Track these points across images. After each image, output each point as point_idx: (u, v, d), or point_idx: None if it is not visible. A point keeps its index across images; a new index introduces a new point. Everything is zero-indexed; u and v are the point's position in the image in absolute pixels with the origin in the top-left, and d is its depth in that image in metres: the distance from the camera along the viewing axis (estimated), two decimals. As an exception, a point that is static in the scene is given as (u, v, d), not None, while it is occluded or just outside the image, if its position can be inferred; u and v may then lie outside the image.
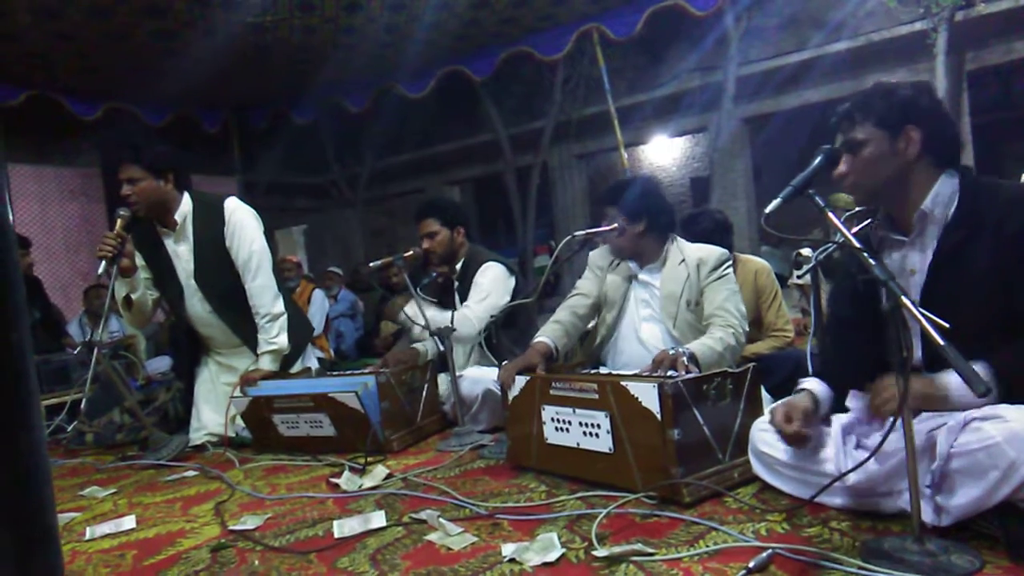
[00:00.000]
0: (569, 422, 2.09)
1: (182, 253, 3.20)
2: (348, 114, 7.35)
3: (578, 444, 2.07)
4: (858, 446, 1.66)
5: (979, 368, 1.24)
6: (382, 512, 1.95)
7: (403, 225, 12.45)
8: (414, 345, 3.36)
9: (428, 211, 3.27)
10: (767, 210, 1.50)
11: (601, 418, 1.98)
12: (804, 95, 8.02)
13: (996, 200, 1.51)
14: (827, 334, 1.91)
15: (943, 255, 1.55)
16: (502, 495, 2.07)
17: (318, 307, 6.24)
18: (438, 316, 3.02)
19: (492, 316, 2.92)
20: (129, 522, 2.15)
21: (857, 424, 1.72)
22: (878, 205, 1.70)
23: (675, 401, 1.78)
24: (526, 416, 2.25)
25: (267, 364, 3.15)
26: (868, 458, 1.47)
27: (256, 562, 1.73)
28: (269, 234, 3.27)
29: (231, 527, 2.02)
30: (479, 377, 2.91)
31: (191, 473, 2.77)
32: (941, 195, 1.57)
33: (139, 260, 3.23)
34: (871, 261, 1.34)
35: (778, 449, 1.77)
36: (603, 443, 1.99)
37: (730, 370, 1.98)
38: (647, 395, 1.83)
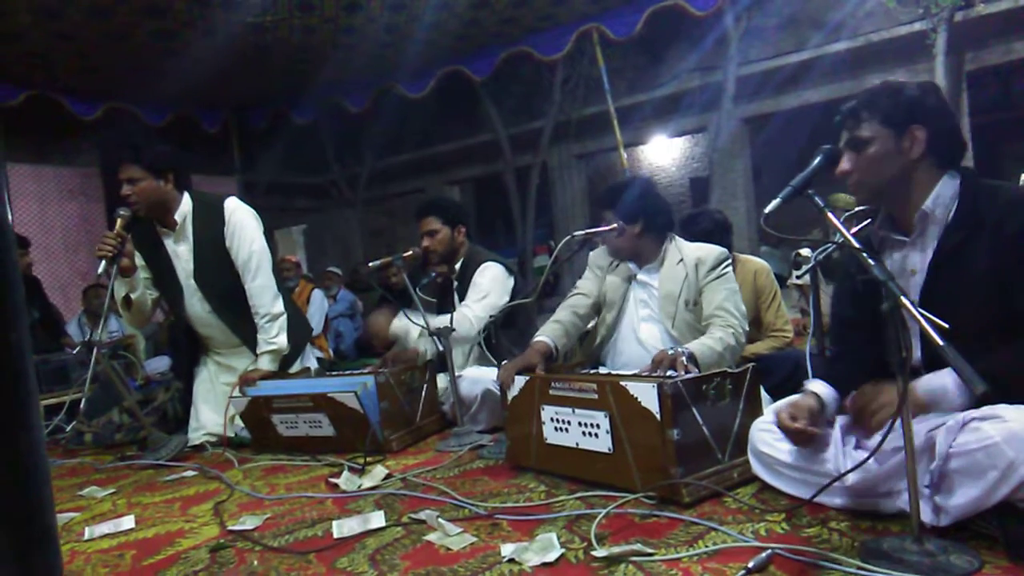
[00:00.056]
0: (568, 422, 2.09)
1: (182, 253, 3.20)
2: (348, 114, 7.35)
3: (577, 444, 2.07)
4: (857, 446, 1.66)
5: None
6: (381, 512, 1.95)
7: (403, 225, 12.46)
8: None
9: (429, 209, 3.27)
10: (766, 210, 1.50)
11: (600, 418, 1.98)
12: (804, 95, 8.03)
13: (995, 201, 1.51)
14: (830, 335, 1.91)
15: (943, 255, 1.55)
16: (501, 495, 2.07)
17: (317, 307, 6.24)
18: (430, 321, 3.01)
19: (491, 316, 2.92)
20: (128, 522, 2.15)
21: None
22: (880, 204, 1.70)
23: (674, 401, 1.78)
24: (525, 416, 2.25)
25: (266, 364, 3.15)
26: (868, 458, 1.47)
27: (255, 562, 1.73)
28: (269, 234, 3.27)
29: (230, 527, 2.02)
30: (478, 377, 2.91)
31: (190, 473, 2.77)
32: (942, 196, 1.57)
33: (138, 260, 3.23)
34: (870, 261, 1.34)
35: (778, 449, 1.77)
36: (602, 443, 1.99)
37: (729, 370, 1.98)
38: (646, 395, 1.83)
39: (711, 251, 2.46)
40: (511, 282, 3.19)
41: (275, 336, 3.15)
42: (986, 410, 1.36)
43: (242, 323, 3.21)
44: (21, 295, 0.71)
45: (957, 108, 6.96)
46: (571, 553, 1.57)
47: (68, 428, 3.70)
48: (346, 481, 2.34)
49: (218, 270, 3.17)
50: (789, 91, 8.09)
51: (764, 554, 1.41)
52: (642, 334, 2.50)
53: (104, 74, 5.99)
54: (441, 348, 2.90)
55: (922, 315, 1.23)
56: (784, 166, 5.22)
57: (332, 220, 11.66)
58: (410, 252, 3.15)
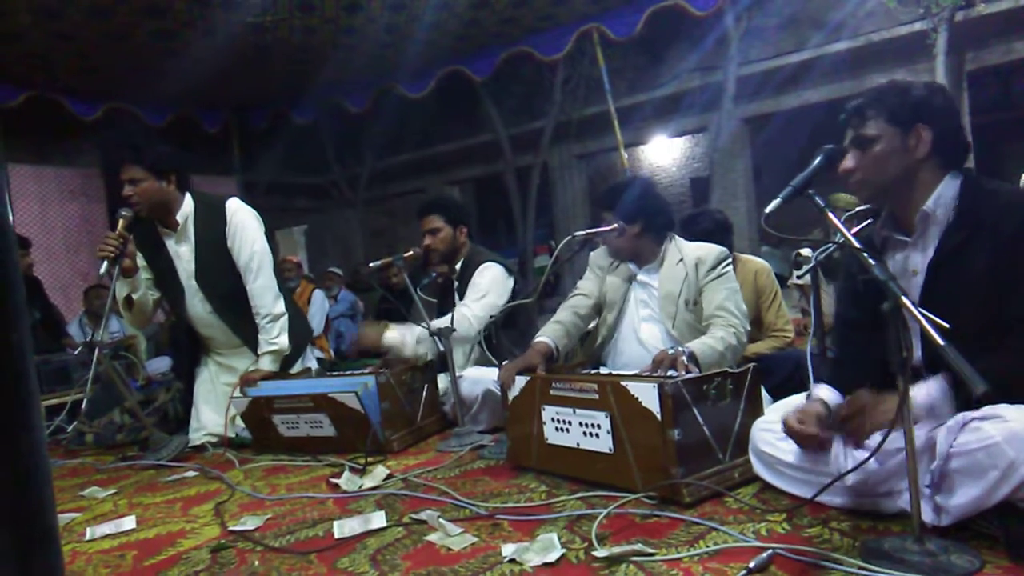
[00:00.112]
0: (569, 422, 2.09)
1: (183, 254, 3.20)
2: (348, 114, 7.35)
3: (578, 444, 2.07)
4: (859, 446, 1.66)
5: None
6: (382, 512, 1.95)
7: (403, 225, 12.46)
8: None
9: (432, 208, 3.27)
10: (767, 210, 1.50)
11: (601, 418, 1.98)
12: (804, 95, 8.03)
13: (994, 203, 1.52)
14: (834, 336, 1.91)
15: (943, 256, 1.55)
16: (502, 495, 2.07)
17: (318, 307, 6.25)
18: (419, 332, 2.99)
19: (492, 316, 2.92)
20: (129, 522, 2.15)
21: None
22: (882, 204, 1.70)
23: (675, 401, 1.78)
24: (526, 416, 2.25)
25: (267, 364, 3.15)
26: (868, 458, 1.47)
27: (256, 562, 1.73)
28: (270, 235, 3.27)
29: (231, 527, 2.02)
30: (479, 377, 2.91)
31: (191, 473, 2.77)
32: (944, 196, 1.56)
33: (140, 260, 3.23)
34: (871, 261, 1.34)
35: (780, 449, 1.77)
36: (603, 443, 1.99)
37: (730, 370, 1.98)
38: (647, 395, 1.83)
39: (711, 250, 2.46)
40: (510, 283, 3.19)
41: (276, 336, 3.15)
42: (987, 410, 1.36)
43: (243, 324, 3.22)
44: (22, 296, 0.71)
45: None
46: (572, 553, 1.57)
47: (69, 429, 3.70)
48: (347, 481, 2.34)
49: (219, 271, 3.17)
50: (789, 91, 8.08)
51: (765, 554, 1.42)
52: (643, 334, 2.50)
53: (104, 74, 5.99)
54: (442, 348, 2.90)
55: (922, 315, 1.23)
56: (784, 166, 5.21)
57: (333, 220, 11.66)
58: (411, 252, 3.15)
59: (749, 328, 2.42)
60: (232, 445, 3.11)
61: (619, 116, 6.11)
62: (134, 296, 3.20)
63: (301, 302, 5.86)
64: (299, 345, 3.34)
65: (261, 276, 3.15)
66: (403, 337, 3.00)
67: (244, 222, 3.15)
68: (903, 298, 1.26)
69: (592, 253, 2.73)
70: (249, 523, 2.02)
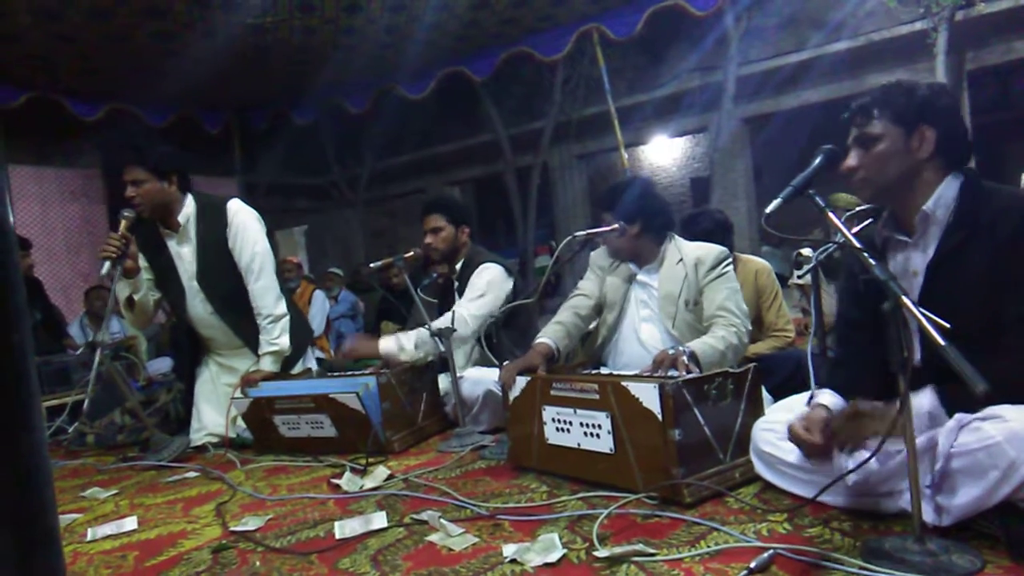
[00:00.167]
0: (570, 422, 2.09)
1: (185, 255, 3.20)
2: (348, 115, 7.35)
3: (579, 444, 2.07)
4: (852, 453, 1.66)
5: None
6: (383, 513, 1.95)
7: (404, 226, 12.45)
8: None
9: (435, 207, 3.28)
10: (767, 210, 1.50)
11: (602, 418, 1.98)
12: (804, 95, 8.03)
13: (992, 204, 1.52)
14: (835, 336, 1.90)
15: (942, 257, 1.55)
16: (503, 496, 2.07)
17: (319, 308, 6.24)
18: (415, 337, 3.01)
19: (492, 317, 2.92)
20: (130, 523, 2.16)
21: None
22: (883, 203, 1.69)
23: (676, 401, 1.78)
24: (527, 417, 2.25)
25: (268, 365, 3.15)
26: (869, 458, 1.47)
27: (257, 563, 1.73)
28: (270, 235, 3.28)
29: (232, 528, 2.02)
30: (480, 378, 2.91)
31: (192, 474, 2.78)
32: (944, 197, 1.56)
33: (141, 261, 3.23)
34: (871, 261, 1.34)
35: (781, 448, 1.76)
36: (604, 443, 1.99)
37: (731, 370, 1.98)
38: (648, 395, 1.83)
39: (710, 250, 2.46)
40: (509, 283, 3.19)
41: (277, 337, 3.15)
42: (987, 410, 1.36)
43: (244, 324, 3.22)
44: (23, 296, 0.71)
45: (958, 108, 6.96)
46: (573, 553, 1.57)
47: (70, 429, 3.70)
48: (348, 482, 2.35)
49: (221, 272, 3.17)
50: (789, 91, 8.09)
51: (766, 554, 1.41)
52: (643, 334, 2.50)
53: (105, 75, 6.00)
54: (442, 349, 2.90)
55: (923, 315, 1.23)
56: (785, 166, 5.21)
57: (333, 221, 11.66)
58: (411, 253, 3.15)
59: (750, 328, 2.42)
60: (233, 446, 3.11)
61: (619, 116, 6.11)
62: (136, 297, 3.21)
63: (301, 303, 5.86)
64: (300, 346, 3.34)
65: (262, 277, 3.15)
66: (398, 344, 3.00)
67: (245, 223, 3.16)
68: (903, 298, 1.26)
69: (593, 253, 2.73)
70: (250, 524, 2.03)
